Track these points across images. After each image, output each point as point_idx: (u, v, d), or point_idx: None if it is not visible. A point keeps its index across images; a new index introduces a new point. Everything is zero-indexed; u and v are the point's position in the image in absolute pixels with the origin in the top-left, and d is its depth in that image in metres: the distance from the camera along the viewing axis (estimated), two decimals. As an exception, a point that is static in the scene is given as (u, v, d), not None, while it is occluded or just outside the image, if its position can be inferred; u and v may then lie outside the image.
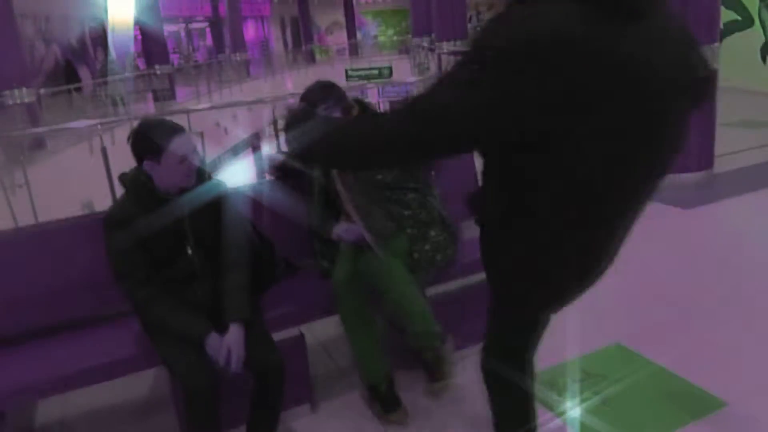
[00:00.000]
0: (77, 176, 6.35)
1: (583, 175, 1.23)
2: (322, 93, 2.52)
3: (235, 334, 2.09)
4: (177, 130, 2.11)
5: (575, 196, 1.26)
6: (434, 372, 2.57)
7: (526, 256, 1.40)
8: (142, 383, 2.81)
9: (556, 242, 1.34)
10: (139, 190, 2.13)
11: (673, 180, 5.55)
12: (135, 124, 2.20)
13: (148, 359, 2.24)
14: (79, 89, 12.44)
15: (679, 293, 3.32)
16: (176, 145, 2.07)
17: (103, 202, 3.99)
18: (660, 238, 4.11)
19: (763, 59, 9.23)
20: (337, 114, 2.47)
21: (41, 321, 2.43)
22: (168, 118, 2.44)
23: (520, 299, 1.52)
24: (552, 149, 1.20)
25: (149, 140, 2.07)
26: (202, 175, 2.22)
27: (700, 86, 1.38)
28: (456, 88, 1.19)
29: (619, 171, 1.25)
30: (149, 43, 16.85)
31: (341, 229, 2.56)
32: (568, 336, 2.92)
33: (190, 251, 2.18)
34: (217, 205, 2.24)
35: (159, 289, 2.13)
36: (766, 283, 3.35)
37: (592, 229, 1.34)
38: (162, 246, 2.14)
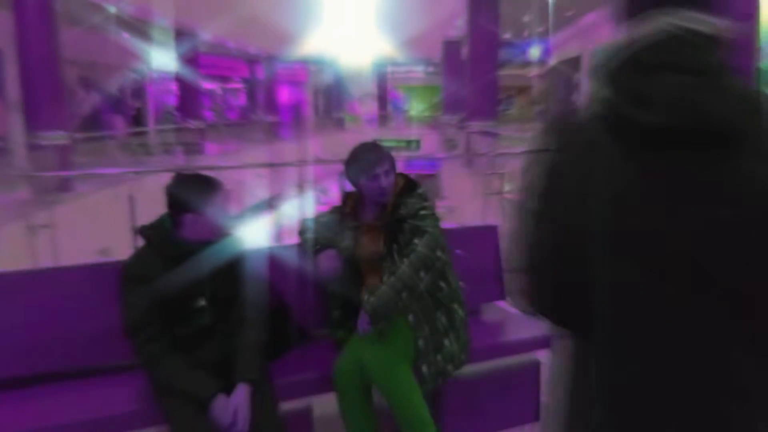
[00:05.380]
0: (100, 221, 6.39)
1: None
2: (376, 154, 2.42)
3: (241, 394, 2.03)
4: (220, 186, 2.15)
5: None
6: None
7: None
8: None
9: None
10: (163, 241, 2.11)
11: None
12: (169, 175, 2.20)
13: (151, 416, 2.15)
14: (112, 136, 12.77)
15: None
16: (218, 200, 2.11)
17: (122, 250, 3.96)
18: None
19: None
20: (389, 178, 2.40)
21: (46, 366, 2.36)
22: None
23: None
24: None
25: (197, 193, 2.09)
26: (225, 231, 2.22)
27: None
28: None
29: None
30: (185, 99, 17.36)
31: (361, 319, 2.34)
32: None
33: (205, 307, 2.14)
34: (236, 262, 2.22)
35: (169, 346, 2.08)
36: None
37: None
38: (178, 302, 2.10)
